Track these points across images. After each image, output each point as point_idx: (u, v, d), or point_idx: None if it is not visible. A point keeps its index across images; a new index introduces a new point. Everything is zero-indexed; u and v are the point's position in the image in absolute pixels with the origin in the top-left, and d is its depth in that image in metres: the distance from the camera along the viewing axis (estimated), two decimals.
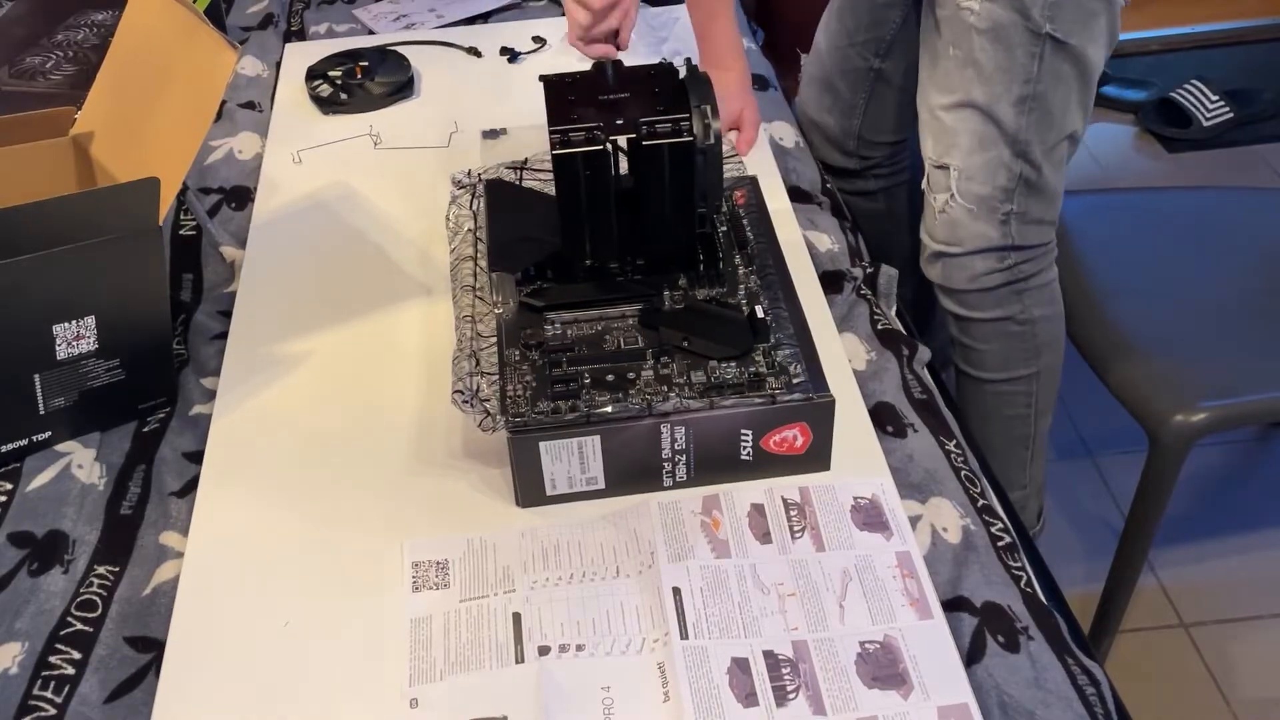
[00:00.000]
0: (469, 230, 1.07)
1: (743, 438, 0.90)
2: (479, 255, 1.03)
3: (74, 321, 0.95)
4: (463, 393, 0.89)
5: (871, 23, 1.45)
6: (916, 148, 1.52)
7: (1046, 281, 1.36)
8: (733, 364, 0.91)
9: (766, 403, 0.88)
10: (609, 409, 0.87)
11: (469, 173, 1.13)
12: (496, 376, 0.91)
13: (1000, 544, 0.90)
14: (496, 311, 0.98)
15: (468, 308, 0.98)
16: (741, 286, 0.99)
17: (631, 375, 0.91)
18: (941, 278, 1.35)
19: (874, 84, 1.48)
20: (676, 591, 0.83)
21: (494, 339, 0.95)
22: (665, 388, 0.89)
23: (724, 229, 1.06)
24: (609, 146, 0.93)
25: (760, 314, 0.94)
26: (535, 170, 1.13)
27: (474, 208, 1.09)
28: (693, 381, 0.90)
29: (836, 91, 1.51)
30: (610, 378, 0.90)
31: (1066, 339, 1.40)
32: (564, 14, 1.63)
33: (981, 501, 0.94)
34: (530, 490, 0.91)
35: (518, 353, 0.93)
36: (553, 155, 0.92)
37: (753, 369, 0.91)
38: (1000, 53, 1.20)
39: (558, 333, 0.95)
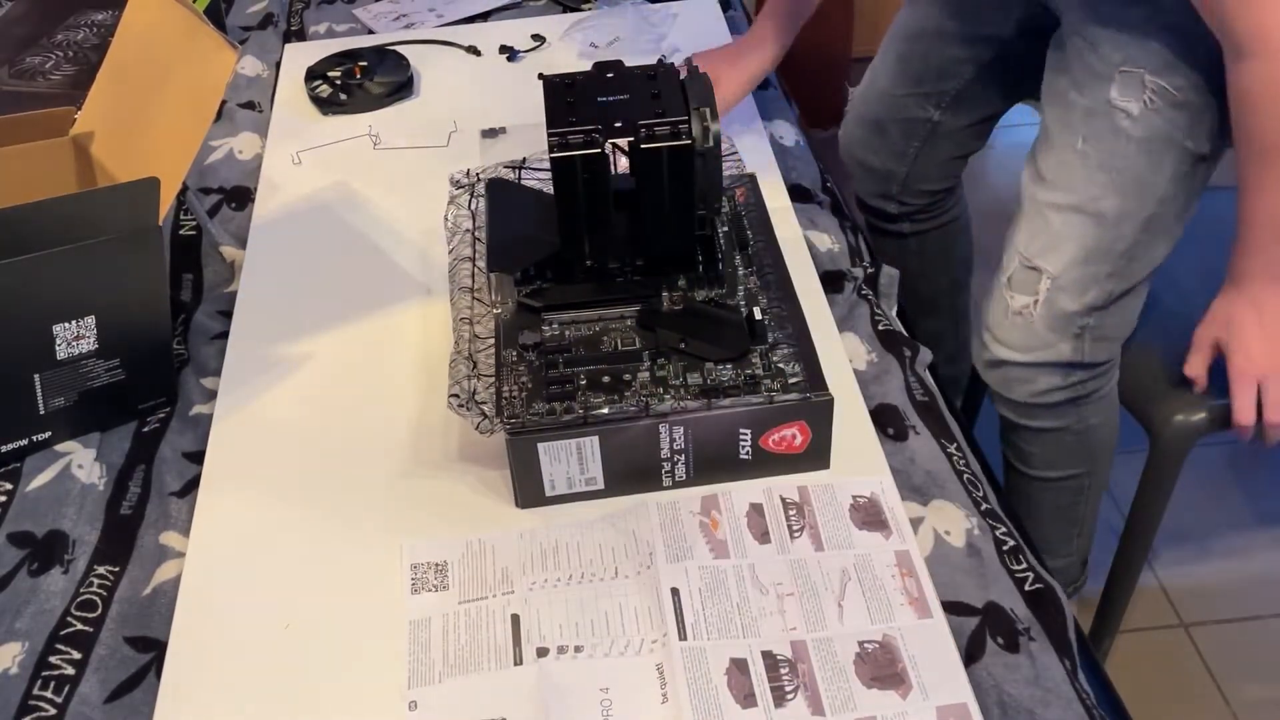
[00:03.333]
0: (467, 230, 1.07)
1: (741, 437, 0.90)
2: (477, 256, 1.03)
3: (74, 321, 0.95)
4: (459, 396, 0.89)
5: (940, 75, 1.39)
6: (951, 198, 1.50)
7: (1107, 393, 1.29)
8: (729, 366, 0.91)
9: (765, 402, 0.88)
10: (604, 410, 0.87)
11: (467, 172, 1.13)
12: (493, 378, 0.91)
13: (1005, 547, 0.90)
14: (495, 312, 0.98)
15: (465, 309, 0.98)
16: (741, 287, 0.99)
17: (628, 377, 0.91)
18: (1000, 385, 1.27)
19: (929, 135, 1.43)
20: (675, 592, 0.83)
21: (492, 340, 0.95)
22: (661, 389, 0.89)
23: (724, 229, 1.06)
24: (607, 149, 0.93)
25: (758, 316, 0.94)
26: (534, 169, 1.13)
27: (472, 208, 1.09)
28: (689, 383, 0.90)
29: (887, 135, 1.45)
30: (606, 379, 0.90)
31: None
32: (563, 11, 1.64)
33: (985, 505, 0.94)
34: (529, 491, 0.91)
35: (515, 354, 0.93)
36: (551, 158, 0.92)
37: (749, 371, 0.91)
38: (1147, 166, 1.11)
39: (555, 333, 0.95)
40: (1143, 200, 1.13)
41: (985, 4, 1.34)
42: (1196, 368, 1.16)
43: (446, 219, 1.09)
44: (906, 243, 1.55)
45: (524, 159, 1.14)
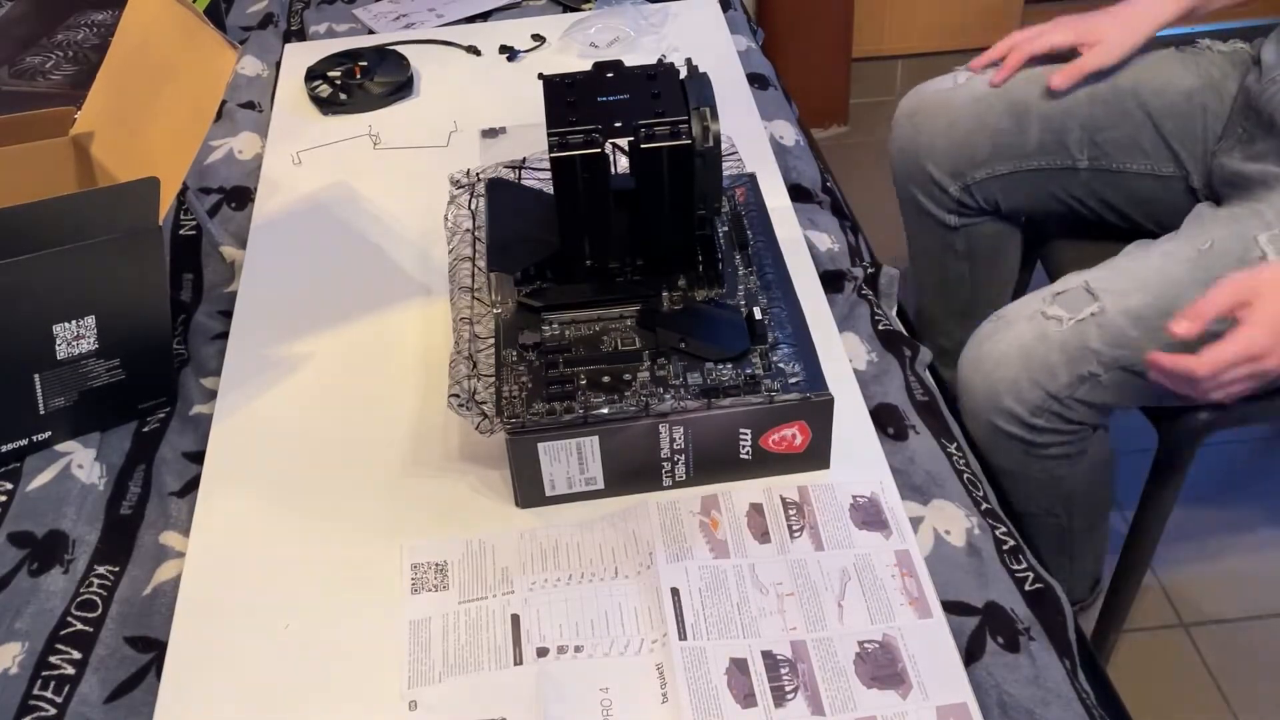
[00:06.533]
0: (467, 230, 1.07)
1: (741, 437, 0.90)
2: (477, 255, 1.03)
3: (74, 321, 0.95)
4: (459, 396, 0.89)
5: (1125, 141, 1.32)
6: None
7: (1078, 455, 1.22)
8: (729, 366, 0.91)
9: (765, 401, 0.88)
10: (604, 410, 0.87)
11: (467, 172, 1.13)
12: (493, 378, 0.91)
13: (1005, 547, 0.90)
14: (495, 311, 0.98)
15: (465, 309, 0.98)
16: (741, 287, 0.99)
17: (628, 376, 0.91)
18: (970, 378, 1.18)
19: (1055, 168, 1.34)
20: (675, 592, 0.83)
21: (492, 340, 0.95)
22: (661, 389, 0.89)
23: (724, 229, 1.06)
24: (607, 149, 0.93)
25: (758, 316, 0.94)
26: (534, 169, 1.13)
27: (472, 207, 1.09)
28: (689, 383, 0.90)
29: (1024, 129, 1.34)
30: (607, 379, 0.90)
31: None
32: (563, 11, 1.64)
33: (985, 505, 0.94)
34: (529, 491, 0.91)
35: (515, 353, 0.93)
36: (550, 158, 0.92)
37: (749, 370, 0.91)
38: None
39: (555, 333, 0.95)
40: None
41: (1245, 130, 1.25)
42: (1203, 310, 0.98)
43: (446, 219, 1.09)
44: (952, 236, 1.45)
45: (524, 159, 1.14)
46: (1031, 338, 1.15)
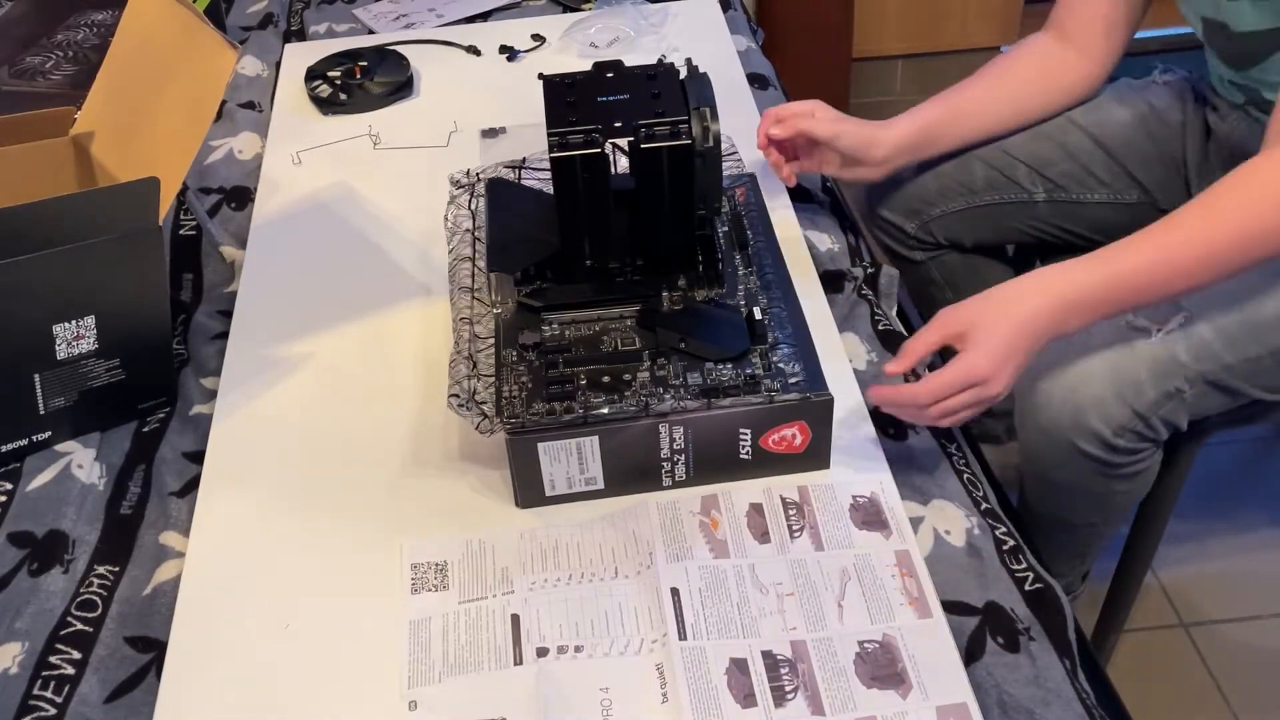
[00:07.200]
0: (467, 230, 1.07)
1: (741, 437, 0.90)
2: (477, 255, 1.03)
3: (74, 321, 0.95)
4: (458, 396, 0.89)
5: (1080, 172, 1.28)
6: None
7: (1144, 469, 1.17)
8: (729, 366, 0.91)
9: (765, 401, 0.88)
10: (604, 410, 0.87)
11: (467, 172, 1.13)
12: (493, 378, 0.91)
13: (1005, 547, 0.90)
14: (495, 312, 0.98)
15: (465, 309, 0.98)
16: (741, 287, 0.99)
17: (628, 376, 0.91)
18: (1044, 405, 1.08)
19: (1003, 200, 1.30)
20: (675, 592, 0.83)
21: (492, 340, 0.95)
22: (661, 389, 0.89)
23: (724, 229, 1.06)
24: (607, 149, 0.93)
25: (758, 316, 0.93)
26: (534, 169, 1.13)
27: (473, 207, 1.09)
28: (689, 383, 0.90)
29: (968, 170, 1.30)
30: (606, 379, 0.90)
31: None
32: (563, 11, 1.64)
33: (985, 505, 0.94)
34: (529, 491, 0.91)
35: (515, 353, 0.93)
36: (550, 158, 0.92)
37: (749, 371, 0.91)
38: None
39: (555, 333, 0.95)
40: None
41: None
42: (912, 349, 0.93)
43: (446, 219, 1.09)
44: (924, 269, 1.41)
45: (524, 159, 1.14)
46: (1118, 351, 1.06)
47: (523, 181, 1.12)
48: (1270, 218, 0.93)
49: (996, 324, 0.91)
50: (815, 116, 1.16)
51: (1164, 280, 0.94)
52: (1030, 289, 0.93)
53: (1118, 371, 1.06)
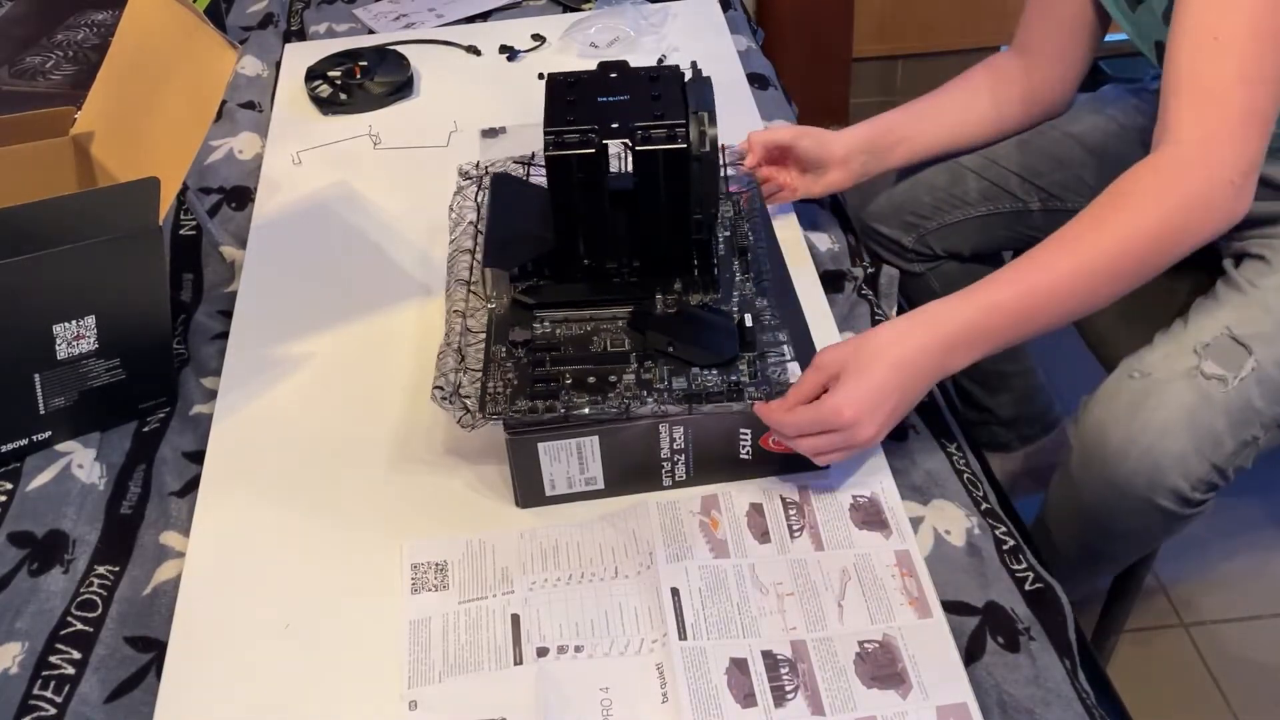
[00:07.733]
0: (470, 223, 1.06)
1: (742, 437, 0.90)
2: (477, 249, 1.03)
3: (74, 321, 0.95)
4: (443, 388, 0.89)
5: (1070, 180, 1.28)
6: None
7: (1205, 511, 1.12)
8: (715, 371, 0.91)
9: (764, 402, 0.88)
10: (586, 410, 0.87)
11: (476, 164, 1.13)
12: (480, 373, 0.91)
13: (1005, 547, 0.90)
14: (490, 306, 0.97)
15: (460, 301, 0.98)
16: (736, 293, 0.99)
17: (613, 378, 0.90)
18: (1115, 463, 1.04)
19: (998, 211, 1.31)
20: (675, 592, 0.83)
21: (483, 334, 0.95)
22: (645, 392, 0.89)
23: (726, 233, 1.06)
24: (613, 149, 0.93)
25: (749, 323, 0.93)
26: (542, 165, 1.12)
27: (478, 200, 1.09)
28: (674, 388, 0.89)
29: (962, 184, 1.30)
30: (592, 379, 0.90)
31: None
32: (563, 11, 1.64)
33: (985, 505, 0.94)
34: (529, 491, 0.91)
35: (504, 350, 0.93)
36: (545, 156, 0.92)
37: (734, 378, 0.90)
38: None
39: (546, 331, 0.95)
40: None
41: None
42: (791, 396, 0.88)
43: (451, 209, 1.08)
44: (924, 280, 1.41)
45: (533, 154, 1.13)
46: (1195, 403, 1.01)
47: (530, 178, 1.12)
48: (1136, 240, 0.90)
49: (869, 367, 0.87)
50: (773, 128, 1.19)
51: (1040, 308, 0.91)
52: (908, 329, 0.89)
53: (1195, 425, 1.01)
